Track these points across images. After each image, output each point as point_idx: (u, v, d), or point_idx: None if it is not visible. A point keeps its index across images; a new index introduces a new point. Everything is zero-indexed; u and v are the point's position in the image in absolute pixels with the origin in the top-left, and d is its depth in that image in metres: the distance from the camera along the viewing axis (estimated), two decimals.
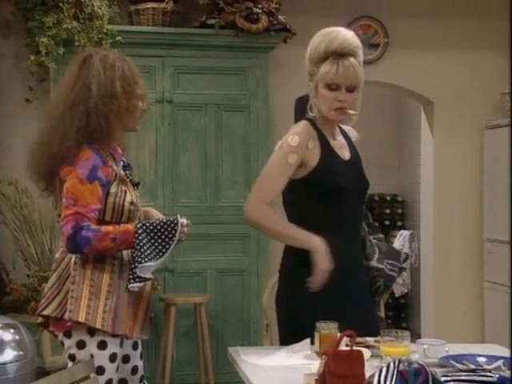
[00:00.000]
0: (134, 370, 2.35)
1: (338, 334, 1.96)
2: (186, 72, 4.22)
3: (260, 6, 4.17)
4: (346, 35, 2.34)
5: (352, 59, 2.32)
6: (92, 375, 2.15)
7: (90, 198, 2.15)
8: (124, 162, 2.34)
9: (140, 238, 2.17)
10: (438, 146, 4.99)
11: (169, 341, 3.88)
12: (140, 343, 2.38)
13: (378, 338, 2.10)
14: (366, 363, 1.74)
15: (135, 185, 2.35)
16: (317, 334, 2.07)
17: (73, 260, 2.21)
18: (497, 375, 1.85)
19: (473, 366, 1.99)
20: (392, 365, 1.61)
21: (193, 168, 4.21)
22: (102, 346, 2.19)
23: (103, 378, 2.19)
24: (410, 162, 6.44)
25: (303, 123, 2.39)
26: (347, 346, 1.82)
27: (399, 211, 6.56)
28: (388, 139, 6.72)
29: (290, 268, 2.40)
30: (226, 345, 3.26)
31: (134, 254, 2.18)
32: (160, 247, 2.20)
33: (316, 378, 1.75)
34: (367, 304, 2.46)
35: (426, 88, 4.92)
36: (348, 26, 4.73)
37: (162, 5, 4.17)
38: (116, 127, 2.25)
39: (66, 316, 2.17)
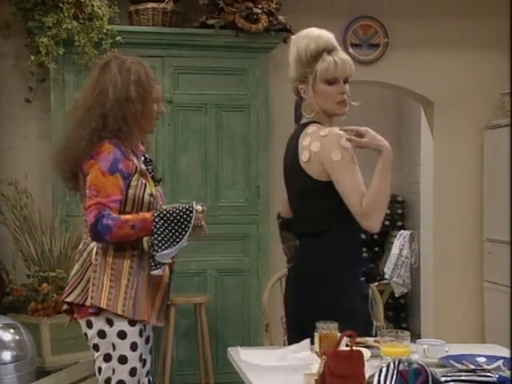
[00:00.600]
0: (143, 362, 2.39)
1: (338, 334, 1.96)
2: (186, 72, 4.22)
3: (260, 6, 4.17)
4: (326, 32, 2.41)
5: (340, 52, 2.39)
6: (103, 365, 2.28)
7: (111, 188, 2.27)
8: (146, 158, 2.45)
9: (157, 225, 2.28)
10: (438, 146, 4.99)
11: (169, 341, 3.88)
12: (151, 338, 2.46)
13: (378, 338, 2.10)
14: (365, 363, 1.74)
15: (157, 181, 2.45)
16: (317, 334, 2.06)
17: (94, 250, 2.33)
18: (497, 375, 1.85)
19: (473, 366, 1.99)
20: (392, 365, 1.61)
21: (193, 168, 4.21)
22: (121, 335, 2.29)
23: (127, 367, 2.29)
24: (410, 162, 6.44)
25: (321, 125, 2.36)
26: (347, 346, 1.82)
27: (399, 211, 6.56)
28: (388, 139, 6.67)
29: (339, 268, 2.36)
30: (225, 345, 3.26)
31: (153, 242, 2.29)
32: (177, 233, 2.30)
33: (316, 378, 1.75)
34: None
35: (425, 88, 4.92)
36: (348, 26, 4.75)
37: (162, 5, 4.17)
38: (133, 129, 2.35)
39: (88, 302, 2.28)
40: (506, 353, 2.17)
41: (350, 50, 4.69)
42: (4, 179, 3.94)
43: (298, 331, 2.32)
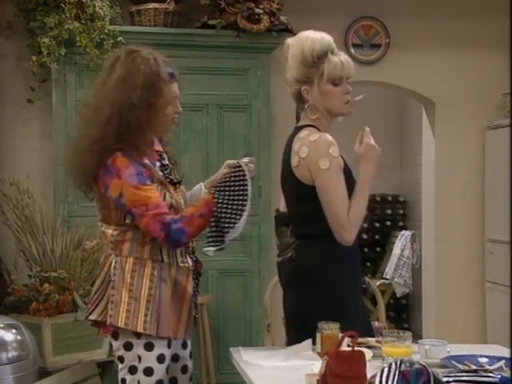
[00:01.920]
0: (184, 369, 2.36)
1: (340, 335, 1.96)
2: (187, 72, 4.19)
3: (261, 6, 4.18)
4: (326, 34, 2.42)
5: (342, 53, 2.41)
6: (128, 377, 2.19)
7: (154, 197, 2.18)
8: (161, 162, 2.33)
9: (220, 200, 2.20)
10: (439, 147, 4.99)
11: None
12: (189, 343, 2.39)
13: (380, 339, 2.10)
14: (367, 364, 1.74)
15: (176, 183, 2.34)
16: (318, 335, 2.07)
17: (112, 265, 2.23)
18: (498, 376, 1.85)
19: (474, 367, 1.99)
20: (394, 365, 1.61)
21: (194, 168, 4.20)
22: (148, 347, 2.20)
23: (152, 380, 2.21)
24: (411, 162, 6.45)
25: (315, 130, 2.36)
26: (349, 346, 1.82)
27: (401, 212, 6.56)
28: (389, 139, 6.71)
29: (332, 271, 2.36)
30: (227, 345, 3.25)
31: (223, 216, 2.19)
32: (240, 193, 2.22)
33: (317, 378, 1.75)
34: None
35: (427, 88, 4.92)
36: (349, 26, 4.75)
37: (164, 5, 4.17)
38: (138, 136, 2.22)
39: (108, 320, 2.20)
40: (507, 353, 2.17)
41: (352, 50, 4.70)
42: (6, 179, 3.94)
43: (296, 333, 2.32)
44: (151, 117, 2.22)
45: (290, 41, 2.45)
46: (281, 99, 4.30)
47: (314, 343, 2.14)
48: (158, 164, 2.31)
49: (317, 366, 1.84)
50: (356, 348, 1.73)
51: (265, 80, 4.27)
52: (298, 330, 2.32)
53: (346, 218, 2.26)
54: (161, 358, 2.21)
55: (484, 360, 2.06)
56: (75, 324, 3.66)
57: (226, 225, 2.20)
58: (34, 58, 3.96)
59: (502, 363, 2.02)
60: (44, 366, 3.59)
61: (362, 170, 2.33)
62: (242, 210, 2.21)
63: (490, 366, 2.01)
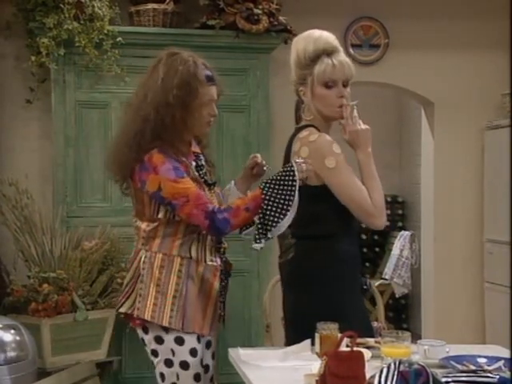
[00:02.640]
0: (206, 368, 2.38)
1: (339, 335, 1.96)
2: None
3: (260, 6, 4.17)
4: (326, 34, 2.38)
5: (341, 54, 2.36)
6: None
7: (193, 188, 2.24)
8: (197, 163, 2.38)
9: (267, 197, 2.24)
10: (438, 147, 4.99)
11: None
12: (213, 343, 2.42)
13: (379, 339, 2.10)
14: (366, 364, 1.74)
15: (211, 184, 2.38)
16: (317, 335, 2.07)
17: (142, 260, 2.29)
18: (497, 376, 1.85)
19: (473, 367, 1.99)
20: (392, 366, 1.61)
21: None
22: (179, 341, 2.25)
23: (190, 373, 2.26)
24: (410, 162, 6.45)
25: (315, 130, 2.35)
26: (348, 346, 1.82)
27: (400, 212, 6.56)
28: (388, 140, 6.72)
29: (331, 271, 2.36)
30: (226, 345, 3.25)
31: (268, 213, 2.23)
32: (288, 192, 2.24)
33: (316, 378, 1.75)
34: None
35: (426, 89, 4.92)
36: (348, 26, 4.75)
37: (163, 6, 4.17)
38: (174, 135, 2.27)
39: (135, 313, 2.26)
40: (506, 353, 2.17)
41: (351, 51, 4.70)
42: (5, 180, 3.94)
43: (296, 333, 2.32)
44: (186, 117, 2.27)
45: (294, 38, 2.46)
46: (280, 100, 4.30)
47: (312, 343, 2.14)
48: (193, 164, 2.36)
49: (316, 366, 1.84)
50: (355, 348, 1.72)
51: (264, 80, 4.27)
52: (297, 331, 2.32)
53: (372, 206, 2.26)
54: (193, 352, 2.26)
55: (483, 360, 2.06)
56: (74, 324, 3.66)
57: (270, 222, 2.24)
58: (33, 58, 3.96)
59: (500, 363, 2.02)
60: (43, 366, 3.59)
61: (359, 155, 2.33)
62: (287, 210, 2.24)
63: (488, 366, 2.01)
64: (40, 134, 4.30)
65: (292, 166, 2.26)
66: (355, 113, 2.36)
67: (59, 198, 4.00)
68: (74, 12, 3.88)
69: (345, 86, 2.36)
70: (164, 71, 2.27)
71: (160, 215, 2.28)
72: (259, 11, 4.15)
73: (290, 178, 2.25)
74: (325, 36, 2.36)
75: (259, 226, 2.25)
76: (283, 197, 2.24)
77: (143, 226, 2.33)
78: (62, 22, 3.87)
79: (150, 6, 4.15)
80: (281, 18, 4.25)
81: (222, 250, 2.41)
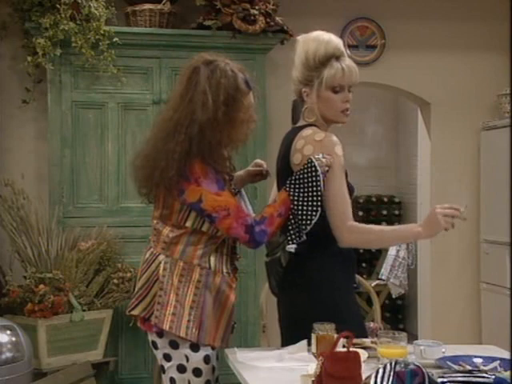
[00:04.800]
0: (212, 369, 2.34)
1: (335, 335, 1.96)
2: None
3: (257, 7, 4.17)
4: (335, 38, 2.37)
5: (347, 59, 2.36)
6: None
7: (233, 201, 2.23)
8: (229, 175, 2.36)
9: (295, 198, 2.24)
10: (434, 148, 4.99)
11: None
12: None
13: (375, 340, 2.10)
14: (362, 364, 1.74)
15: (235, 194, 2.36)
16: (313, 336, 2.07)
17: (162, 266, 2.26)
18: (493, 376, 1.85)
19: (469, 367, 1.99)
20: (389, 366, 1.61)
21: None
22: (194, 347, 2.23)
23: (201, 380, 2.24)
24: (407, 163, 6.45)
25: (319, 129, 2.34)
26: (344, 347, 1.82)
27: (396, 212, 6.57)
28: (385, 140, 6.73)
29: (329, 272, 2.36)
30: None
31: (297, 217, 2.24)
32: (314, 188, 2.23)
33: (313, 379, 1.75)
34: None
35: (422, 89, 4.93)
36: (345, 27, 4.75)
37: (159, 6, 4.16)
38: (218, 154, 2.23)
39: (152, 321, 2.23)
40: (502, 354, 2.17)
41: (347, 51, 4.70)
42: (1, 180, 3.94)
43: (291, 333, 2.32)
44: (232, 131, 2.25)
45: (299, 38, 2.41)
46: (276, 100, 4.30)
47: (309, 344, 2.14)
48: (226, 176, 2.33)
49: (312, 366, 1.84)
50: (351, 349, 1.73)
51: (260, 81, 4.26)
52: (293, 331, 2.32)
53: (348, 219, 2.24)
54: (207, 359, 2.25)
55: (479, 361, 2.07)
56: (70, 325, 3.66)
57: (304, 222, 2.25)
58: (29, 58, 3.95)
59: (496, 364, 2.02)
60: (39, 367, 3.58)
61: (423, 228, 2.27)
62: (318, 206, 2.24)
63: (484, 366, 2.01)
64: (36, 134, 4.29)
65: (312, 161, 2.25)
66: (462, 210, 2.39)
67: (55, 198, 4.00)
68: (70, 12, 3.88)
69: (349, 91, 2.36)
70: (208, 86, 2.20)
71: (188, 224, 2.24)
72: (256, 12, 4.15)
73: (313, 173, 2.24)
74: (334, 39, 2.35)
75: (291, 227, 2.26)
76: (310, 194, 2.24)
77: (166, 230, 2.27)
78: (59, 23, 3.86)
79: (147, 6, 4.15)
80: (277, 18, 4.25)
81: (236, 259, 2.42)
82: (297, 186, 2.26)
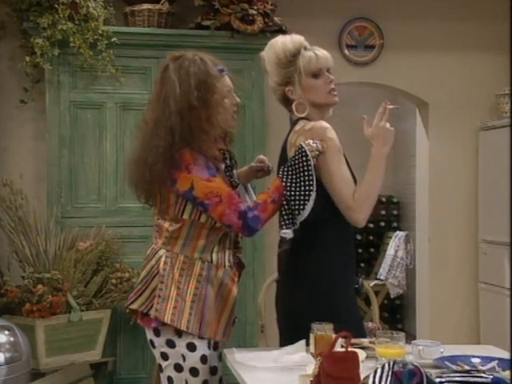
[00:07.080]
0: (214, 370, 2.34)
1: (333, 335, 1.96)
2: None
3: (255, 7, 4.17)
4: (294, 35, 2.47)
5: (316, 47, 2.44)
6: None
7: (225, 187, 2.23)
8: (226, 163, 2.36)
9: (288, 184, 2.24)
10: (433, 148, 5.00)
11: None
12: (220, 344, 2.38)
13: (374, 340, 2.10)
14: (361, 364, 1.74)
15: (235, 186, 2.36)
16: (312, 335, 2.07)
17: (163, 259, 2.26)
18: (491, 376, 1.86)
19: (467, 367, 1.99)
20: (387, 366, 1.61)
21: None
22: (191, 347, 2.23)
23: (198, 380, 2.24)
24: (405, 163, 6.45)
25: (308, 121, 2.36)
26: (342, 347, 1.82)
27: (394, 212, 6.57)
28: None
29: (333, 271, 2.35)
30: None
31: (291, 203, 2.23)
32: (306, 173, 2.23)
33: (311, 379, 1.75)
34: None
35: (421, 89, 4.93)
36: (344, 27, 4.75)
37: (158, 6, 4.16)
38: (201, 137, 2.24)
39: (152, 314, 2.23)
40: (500, 354, 2.18)
41: (346, 52, 4.70)
42: None
43: (290, 333, 2.32)
44: (211, 115, 2.26)
45: (263, 52, 2.53)
46: (275, 99, 4.28)
47: (307, 344, 2.14)
48: (222, 166, 2.34)
49: (310, 366, 1.84)
50: (349, 349, 1.73)
51: (259, 81, 4.27)
52: (292, 330, 2.32)
53: (351, 198, 2.25)
54: (203, 359, 2.24)
55: (477, 360, 2.07)
56: (68, 325, 3.66)
57: (297, 207, 2.24)
58: (28, 58, 3.95)
59: (494, 364, 2.02)
60: (37, 367, 3.58)
61: (375, 150, 2.31)
62: (310, 191, 2.24)
63: (482, 366, 2.01)
64: (34, 134, 4.29)
65: (302, 147, 2.27)
66: (387, 114, 2.37)
67: (54, 198, 4.00)
68: (68, 12, 3.88)
69: (329, 72, 2.42)
70: (177, 76, 2.24)
71: (185, 216, 2.25)
72: (254, 12, 4.15)
73: (304, 159, 2.25)
74: (296, 36, 2.45)
75: (285, 212, 2.25)
76: (302, 178, 2.25)
77: (166, 225, 2.28)
78: (57, 23, 3.86)
79: (145, 6, 4.15)
80: (276, 18, 4.25)
81: (238, 251, 2.39)
82: (289, 172, 2.27)
